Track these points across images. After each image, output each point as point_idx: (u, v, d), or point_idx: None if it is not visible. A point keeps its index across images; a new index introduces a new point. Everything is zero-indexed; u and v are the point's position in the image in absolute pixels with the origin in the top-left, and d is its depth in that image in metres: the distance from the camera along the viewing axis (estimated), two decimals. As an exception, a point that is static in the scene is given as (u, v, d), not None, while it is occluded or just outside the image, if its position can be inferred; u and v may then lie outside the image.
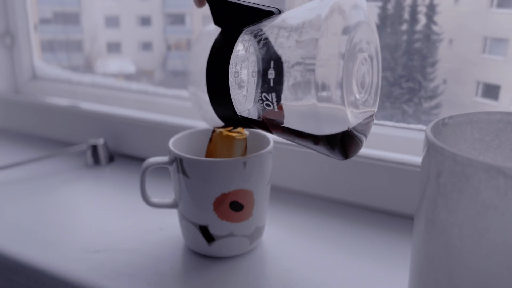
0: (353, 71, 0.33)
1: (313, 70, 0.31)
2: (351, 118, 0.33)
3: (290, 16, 0.35)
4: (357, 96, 0.34)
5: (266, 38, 0.35)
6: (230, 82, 0.36)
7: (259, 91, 0.35)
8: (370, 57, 0.35)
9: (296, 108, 0.34)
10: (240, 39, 0.36)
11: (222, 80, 0.36)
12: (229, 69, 0.36)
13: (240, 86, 0.36)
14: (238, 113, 0.37)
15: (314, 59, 0.32)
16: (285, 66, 0.33)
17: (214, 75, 0.37)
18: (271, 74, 0.34)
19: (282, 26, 0.35)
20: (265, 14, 0.37)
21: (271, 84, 0.34)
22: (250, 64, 0.35)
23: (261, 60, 0.34)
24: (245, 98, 0.36)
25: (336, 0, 0.33)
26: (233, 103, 0.37)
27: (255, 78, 0.35)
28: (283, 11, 0.37)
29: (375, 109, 0.37)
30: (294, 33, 0.33)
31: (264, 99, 0.35)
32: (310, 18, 0.33)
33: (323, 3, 0.34)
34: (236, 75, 0.36)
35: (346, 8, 0.33)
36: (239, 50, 0.36)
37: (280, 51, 0.34)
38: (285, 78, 0.33)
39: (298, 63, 0.33)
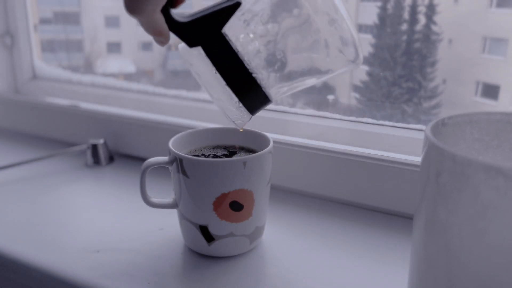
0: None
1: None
2: None
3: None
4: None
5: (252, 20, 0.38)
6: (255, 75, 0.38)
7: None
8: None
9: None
10: (231, 39, 0.37)
11: (245, 76, 0.38)
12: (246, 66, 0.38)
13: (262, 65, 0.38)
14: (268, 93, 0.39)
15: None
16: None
17: (237, 80, 0.38)
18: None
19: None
20: (230, 8, 0.37)
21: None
22: (261, 48, 0.37)
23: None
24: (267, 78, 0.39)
25: None
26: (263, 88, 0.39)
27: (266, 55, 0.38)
28: None
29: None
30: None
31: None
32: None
33: None
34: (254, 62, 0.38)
35: None
36: (241, 45, 0.37)
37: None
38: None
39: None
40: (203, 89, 0.43)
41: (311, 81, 0.39)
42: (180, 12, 0.38)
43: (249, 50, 0.37)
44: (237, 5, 0.37)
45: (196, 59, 0.38)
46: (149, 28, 0.36)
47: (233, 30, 0.37)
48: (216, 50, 0.37)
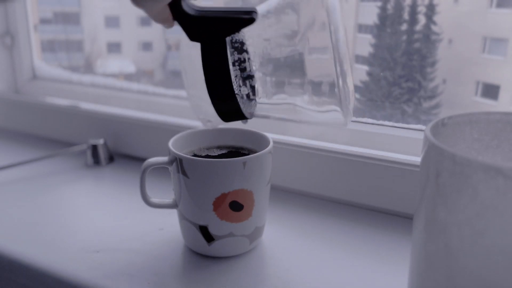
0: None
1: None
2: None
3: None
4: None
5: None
6: (234, 86, 0.37)
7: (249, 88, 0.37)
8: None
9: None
10: (229, 47, 0.37)
11: (226, 85, 0.38)
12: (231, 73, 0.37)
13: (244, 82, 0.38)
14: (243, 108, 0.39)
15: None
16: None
17: (217, 86, 0.38)
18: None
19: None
20: (243, 22, 0.37)
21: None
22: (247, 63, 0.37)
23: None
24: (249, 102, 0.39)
25: None
26: (238, 99, 0.38)
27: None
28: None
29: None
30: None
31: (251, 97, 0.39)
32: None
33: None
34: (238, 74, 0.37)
35: None
36: (235, 55, 0.37)
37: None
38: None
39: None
40: (184, 78, 0.43)
41: (292, 117, 0.39)
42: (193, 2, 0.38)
43: (241, 68, 0.38)
44: (251, 21, 0.36)
45: (192, 51, 0.38)
46: (153, 17, 0.37)
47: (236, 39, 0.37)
48: (212, 55, 0.37)
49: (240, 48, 0.37)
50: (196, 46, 0.37)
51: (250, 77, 0.38)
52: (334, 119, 0.37)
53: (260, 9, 0.37)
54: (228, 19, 0.36)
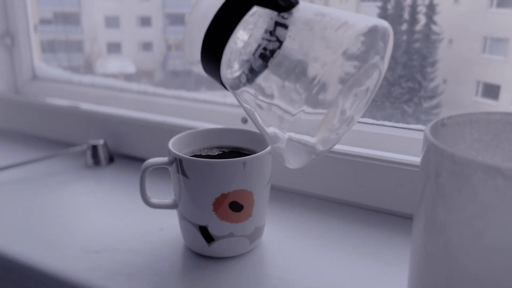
0: (342, 106, 0.34)
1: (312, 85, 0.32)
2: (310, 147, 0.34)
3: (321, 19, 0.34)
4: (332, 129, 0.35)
5: (285, 26, 0.34)
6: (226, 49, 0.35)
7: (246, 68, 0.35)
8: (366, 90, 0.36)
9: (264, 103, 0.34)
10: (250, 14, 0.35)
11: (220, 43, 0.35)
12: (231, 36, 0.35)
13: (235, 55, 0.36)
14: (221, 76, 0.37)
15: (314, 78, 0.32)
16: (284, 59, 0.33)
17: (214, 37, 0.36)
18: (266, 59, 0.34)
19: (308, 24, 0.34)
20: (282, 4, 0.34)
21: (258, 69, 0.34)
22: (253, 40, 0.35)
23: (266, 42, 0.34)
24: (231, 68, 0.36)
25: (376, 25, 0.33)
26: (221, 67, 0.36)
27: (250, 56, 0.35)
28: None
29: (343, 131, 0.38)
30: (315, 35, 0.33)
31: (243, 78, 0.35)
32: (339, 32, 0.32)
33: (362, 20, 0.33)
34: (235, 44, 0.36)
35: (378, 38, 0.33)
36: (247, 24, 0.35)
37: (289, 45, 0.33)
38: (274, 71, 0.33)
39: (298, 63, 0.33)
40: (193, 9, 0.40)
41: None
42: None
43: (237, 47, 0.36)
44: (280, 9, 0.34)
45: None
46: None
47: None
48: (231, 9, 0.35)
49: (276, 36, 0.34)
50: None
51: (259, 66, 0.35)
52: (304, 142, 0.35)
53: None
54: None
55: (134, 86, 0.77)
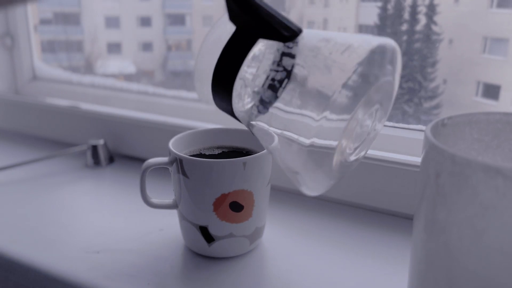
0: (356, 130, 0.34)
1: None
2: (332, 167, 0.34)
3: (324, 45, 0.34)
4: (348, 151, 0.35)
5: (291, 55, 0.34)
6: (235, 83, 0.36)
7: (257, 100, 0.35)
8: (378, 108, 0.36)
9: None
10: (257, 47, 0.35)
11: (230, 77, 0.36)
12: (240, 70, 0.36)
13: (245, 89, 0.36)
14: (234, 110, 0.37)
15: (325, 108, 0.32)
16: (295, 89, 0.34)
17: (223, 72, 0.36)
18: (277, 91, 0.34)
19: (314, 51, 0.34)
20: (285, 34, 0.35)
21: (269, 100, 0.35)
22: (261, 72, 0.35)
23: (275, 74, 0.35)
24: (243, 101, 0.37)
25: (381, 44, 0.33)
26: (233, 102, 0.37)
27: (259, 88, 0.35)
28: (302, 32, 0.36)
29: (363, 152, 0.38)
30: (321, 62, 0.33)
31: (255, 109, 0.36)
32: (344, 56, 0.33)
33: (366, 42, 0.33)
34: (244, 77, 0.36)
35: (384, 61, 0.34)
36: (255, 56, 0.36)
37: (299, 72, 0.34)
38: (284, 100, 0.34)
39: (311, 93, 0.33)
40: (201, 48, 0.40)
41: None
42: None
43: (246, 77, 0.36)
44: (284, 39, 0.34)
45: (227, 26, 0.36)
46: None
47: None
48: (237, 43, 0.35)
49: (283, 66, 0.34)
50: (232, 27, 0.36)
51: (269, 97, 0.35)
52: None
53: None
54: (266, 22, 0.35)
55: (134, 86, 0.78)
